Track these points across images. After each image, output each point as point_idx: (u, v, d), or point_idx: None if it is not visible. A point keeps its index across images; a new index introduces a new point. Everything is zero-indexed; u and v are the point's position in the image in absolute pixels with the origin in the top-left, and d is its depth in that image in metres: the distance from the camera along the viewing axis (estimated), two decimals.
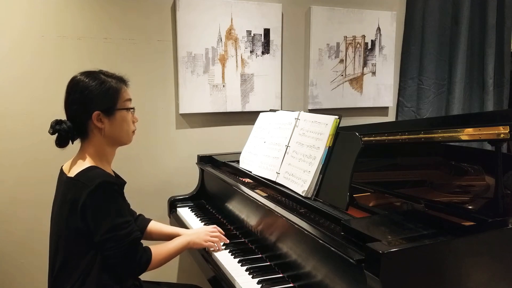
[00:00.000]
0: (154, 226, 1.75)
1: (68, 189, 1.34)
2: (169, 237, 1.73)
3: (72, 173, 1.35)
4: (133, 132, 1.48)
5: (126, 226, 1.33)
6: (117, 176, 1.54)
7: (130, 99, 1.45)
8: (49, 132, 1.37)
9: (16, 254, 2.22)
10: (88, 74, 1.39)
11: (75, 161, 1.40)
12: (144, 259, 1.38)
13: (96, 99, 1.35)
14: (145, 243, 1.45)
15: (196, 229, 1.79)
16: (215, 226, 1.76)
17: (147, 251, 1.40)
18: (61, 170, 1.46)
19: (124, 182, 1.51)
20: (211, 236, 1.66)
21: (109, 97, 1.37)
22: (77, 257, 1.33)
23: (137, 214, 1.77)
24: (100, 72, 1.41)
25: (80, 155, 1.40)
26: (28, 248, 2.22)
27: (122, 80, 1.44)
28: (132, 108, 1.46)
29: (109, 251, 1.30)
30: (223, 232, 1.74)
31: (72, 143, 1.41)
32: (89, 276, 1.33)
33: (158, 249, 1.45)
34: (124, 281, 1.43)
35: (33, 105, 2.17)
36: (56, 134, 1.37)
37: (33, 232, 2.20)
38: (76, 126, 1.37)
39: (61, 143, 1.38)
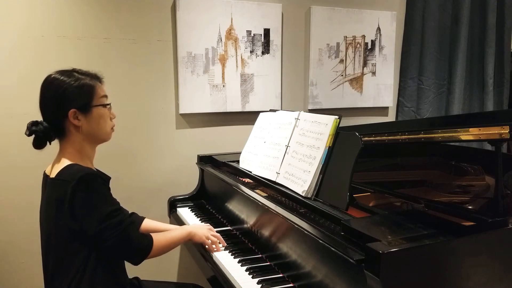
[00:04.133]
0: (149, 223, 1.76)
1: (51, 190, 1.34)
2: None
3: (53, 174, 1.35)
4: (112, 128, 1.47)
5: (116, 214, 1.32)
6: (100, 172, 1.52)
7: (106, 96, 1.44)
8: (25, 133, 1.36)
9: (16, 254, 2.23)
10: (62, 73, 1.38)
11: (56, 163, 1.39)
12: (145, 243, 1.38)
13: (71, 97, 1.34)
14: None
15: (196, 224, 1.82)
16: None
17: (148, 236, 1.40)
18: (44, 173, 1.45)
19: (108, 178, 1.49)
20: (213, 235, 1.68)
21: (84, 94, 1.36)
22: (70, 257, 1.32)
23: (130, 212, 1.76)
24: (74, 70, 1.41)
25: (60, 156, 1.39)
26: (28, 249, 2.22)
27: (96, 77, 1.43)
28: (108, 104, 1.44)
29: (106, 241, 1.29)
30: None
31: (50, 144, 1.40)
32: (85, 275, 1.32)
33: (159, 236, 1.46)
34: (121, 279, 1.43)
35: (33, 106, 2.15)
36: (33, 135, 1.36)
37: (32, 232, 2.18)
38: (53, 126, 1.37)
39: (38, 144, 1.37)
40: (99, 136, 1.43)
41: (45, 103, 1.38)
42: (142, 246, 1.37)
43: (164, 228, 1.77)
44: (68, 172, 1.31)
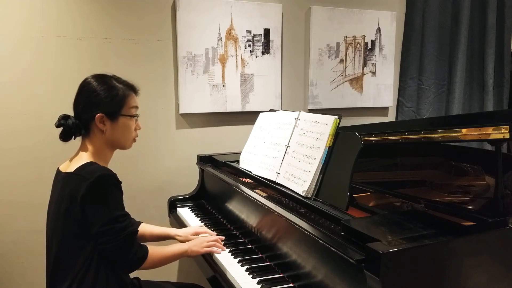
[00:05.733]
0: (145, 228, 1.76)
1: (66, 183, 1.36)
2: (159, 237, 1.76)
3: (71, 169, 1.38)
4: (134, 139, 1.52)
5: (123, 220, 1.34)
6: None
7: (136, 107, 1.50)
8: (54, 124, 1.41)
9: (16, 254, 2.23)
10: (99, 77, 1.44)
11: (74, 159, 1.43)
12: (140, 255, 1.38)
13: (101, 102, 1.40)
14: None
15: (187, 229, 1.81)
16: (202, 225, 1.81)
17: (144, 247, 1.41)
18: (58, 170, 1.48)
19: (120, 182, 1.52)
20: (208, 241, 1.65)
21: (115, 102, 1.42)
22: (75, 254, 1.33)
23: None
24: (113, 77, 1.46)
25: (79, 153, 1.43)
26: (28, 248, 2.22)
27: (132, 88, 1.49)
28: (136, 116, 1.50)
29: (105, 244, 1.31)
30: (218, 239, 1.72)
31: (74, 139, 1.45)
32: (88, 273, 1.33)
33: (155, 250, 1.45)
34: (123, 278, 1.43)
35: (33, 105, 2.17)
36: (61, 128, 1.42)
37: (32, 232, 2.20)
38: (81, 123, 1.42)
39: (64, 137, 1.42)
40: (119, 143, 1.48)
41: (77, 101, 1.43)
42: (137, 258, 1.38)
43: (159, 232, 1.77)
44: (88, 169, 1.34)
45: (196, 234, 1.75)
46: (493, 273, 1.21)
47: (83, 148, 1.44)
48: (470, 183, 1.89)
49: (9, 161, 2.16)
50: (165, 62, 2.41)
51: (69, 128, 1.40)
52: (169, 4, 2.38)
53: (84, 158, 1.40)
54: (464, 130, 1.43)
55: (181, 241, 1.73)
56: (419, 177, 2.04)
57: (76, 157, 1.43)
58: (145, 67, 2.36)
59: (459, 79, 3.07)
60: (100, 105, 1.40)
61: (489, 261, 1.20)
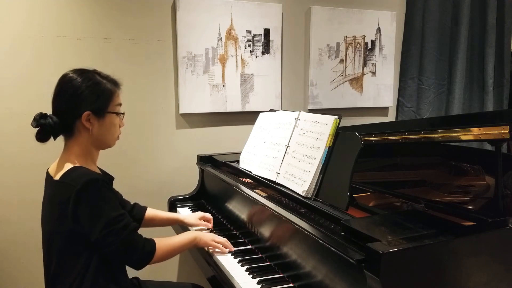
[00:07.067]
0: (152, 212, 1.79)
1: (55, 191, 1.32)
2: (168, 221, 1.82)
3: (57, 176, 1.33)
4: (118, 137, 1.46)
5: (121, 219, 1.31)
6: (104, 172, 1.52)
7: (120, 104, 1.43)
8: (31, 124, 1.32)
9: (17, 253, 2.23)
10: (82, 72, 1.36)
11: (60, 163, 1.37)
12: (148, 249, 1.36)
13: (88, 99, 1.33)
14: (146, 230, 1.44)
15: (194, 213, 1.89)
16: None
17: (151, 241, 1.39)
18: (47, 172, 1.43)
19: (112, 178, 1.50)
20: (218, 239, 1.66)
21: (102, 99, 1.35)
22: (72, 258, 1.32)
23: (132, 203, 1.77)
24: (95, 72, 1.39)
25: (65, 156, 1.37)
26: (28, 248, 2.22)
27: (116, 84, 1.41)
28: (122, 114, 1.44)
29: (110, 246, 1.28)
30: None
31: (54, 139, 1.37)
32: (86, 277, 1.31)
33: (162, 241, 1.43)
34: (121, 280, 1.43)
35: (33, 106, 2.15)
36: (39, 127, 1.32)
37: (33, 231, 2.19)
38: (63, 123, 1.34)
39: (42, 137, 1.34)
40: (106, 141, 1.42)
41: (60, 99, 1.35)
42: (145, 252, 1.36)
43: (168, 216, 1.83)
44: (73, 175, 1.29)
45: (203, 217, 1.84)
46: (493, 273, 1.21)
47: (68, 149, 1.37)
48: (470, 183, 1.89)
49: (9, 161, 2.16)
50: (165, 62, 2.41)
51: (50, 128, 1.31)
52: (169, 4, 2.38)
53: (71, 161, 1.33)
54: (464, 130, 1.43)
55: (190, 224, 1.82)
56: (419, 177, 2.03)
57: (62, 161, 1.36)
58: (145, 67, 2.36)
59: (459, 79, 3.07)
60: (87, 102, 1.32)
61: (489, 261, 1.20)
